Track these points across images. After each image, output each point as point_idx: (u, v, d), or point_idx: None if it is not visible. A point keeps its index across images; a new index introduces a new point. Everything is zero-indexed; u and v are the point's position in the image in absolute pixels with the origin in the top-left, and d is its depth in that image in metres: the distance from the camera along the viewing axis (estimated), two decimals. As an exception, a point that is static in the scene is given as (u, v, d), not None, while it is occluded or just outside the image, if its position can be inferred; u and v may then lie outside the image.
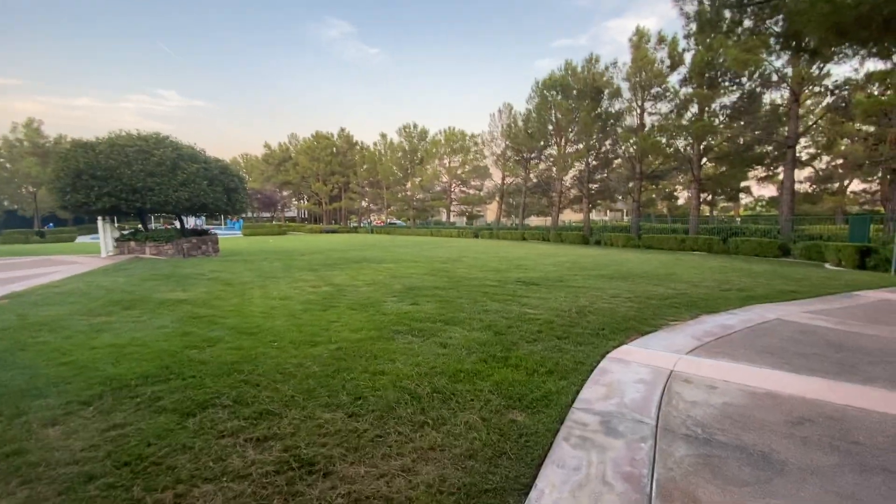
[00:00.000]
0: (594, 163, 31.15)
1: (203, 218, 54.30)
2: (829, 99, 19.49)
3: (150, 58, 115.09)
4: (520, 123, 36.98)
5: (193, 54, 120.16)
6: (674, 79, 23.25)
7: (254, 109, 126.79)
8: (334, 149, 61.07)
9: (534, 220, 53.64)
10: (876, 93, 14.64)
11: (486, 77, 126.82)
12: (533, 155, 37.72)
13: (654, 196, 37.98)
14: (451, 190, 50.27)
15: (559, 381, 3.72)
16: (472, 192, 51.07)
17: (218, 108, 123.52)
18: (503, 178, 42.19)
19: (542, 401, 3.31)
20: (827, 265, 13.74)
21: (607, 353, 4.55)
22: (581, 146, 30.34)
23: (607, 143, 30.31)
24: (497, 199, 44.89)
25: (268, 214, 69.64)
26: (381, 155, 54.52)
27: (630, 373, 4.01)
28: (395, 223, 70.48)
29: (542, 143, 35.34)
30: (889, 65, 15.79)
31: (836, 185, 35.48)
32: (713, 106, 21.66)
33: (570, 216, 59.59)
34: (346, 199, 60.66)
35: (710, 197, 40.84)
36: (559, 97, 30.39)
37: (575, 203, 38.33)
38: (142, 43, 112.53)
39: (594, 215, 66.42)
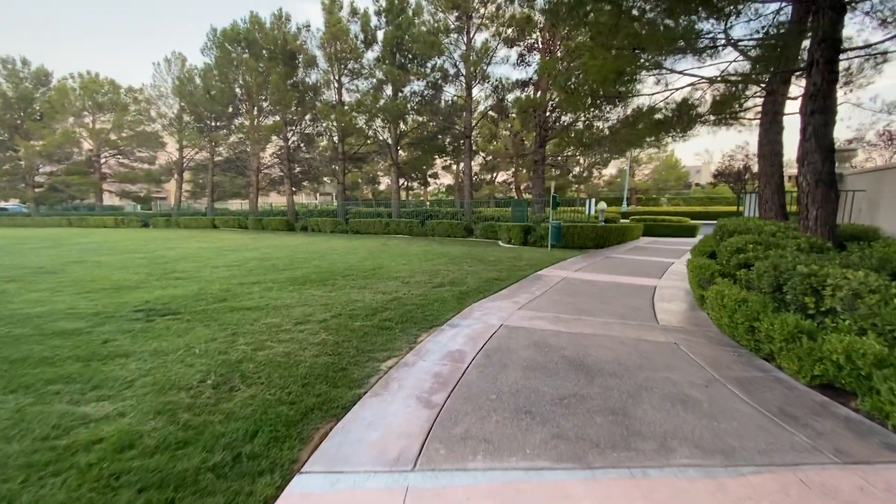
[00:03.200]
0: (295, 139, 27.91)
1: None
2: (487, 101, 22.79)
3: None
4: (197, 81, 29.54)
5: None
6: (370, 56, 22.56)
7: None
8: None
9: (235, 204, 45.81)
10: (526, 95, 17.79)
11: (154, 26, 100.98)
12: (221, 123, 31.00)
13: (359, 180, 38.10)
14: (102, 162, 36.48)
15: None
16: (138, 165, 38.56)
17: None
18: (181, 150, 33.34)
19: None
20: (500, 242, 15.54)
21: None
22: (278, 118, 26.41)
23: (308, 118, 27.54)
24: (175, 176, 35.30)
25: None
26: (-45, 100, 33.96)
27: None
28: (5, 208, 47.46)
29: (229, 109, 29.25)
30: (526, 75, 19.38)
31: (489, 175, 45.01)
32: (406, 91, 22.14)
33: (277, 199, 54.21)
34: None
35: (407, 182, 44.73)
36: (246, 55, 25.31)
37: (279, 184, 34.13)
38: None
39: (303, 198, 63.29)
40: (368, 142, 25.77)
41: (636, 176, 46.14)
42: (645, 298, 6.39)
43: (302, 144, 30.02)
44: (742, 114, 11.52)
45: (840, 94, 7.72)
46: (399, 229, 20.08)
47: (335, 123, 22.50)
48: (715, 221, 26.76)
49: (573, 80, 10.88)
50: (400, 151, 26.31)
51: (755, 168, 28.23)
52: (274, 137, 28.41)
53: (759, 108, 11.76)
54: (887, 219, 8.20)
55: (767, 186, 9.52)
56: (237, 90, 28.08)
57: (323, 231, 22.72)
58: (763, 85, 9.78)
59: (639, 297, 6.43)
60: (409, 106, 21.47)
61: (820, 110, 6.78)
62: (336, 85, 23.53)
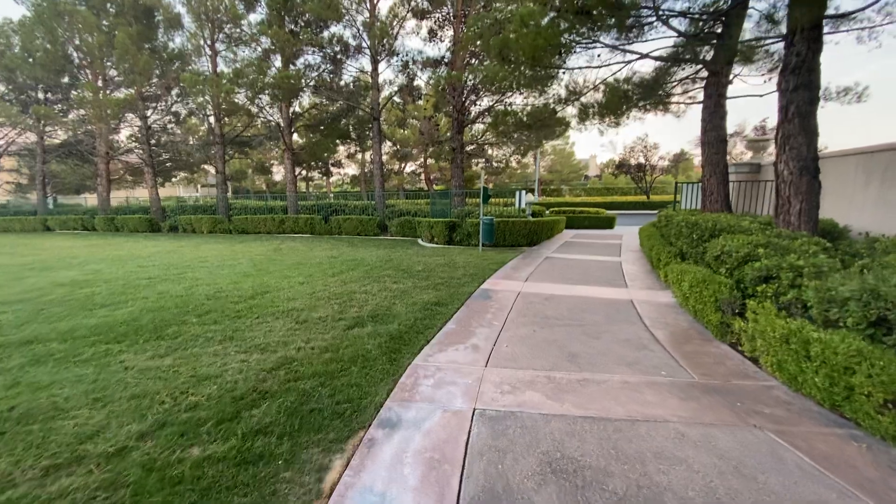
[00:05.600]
0: (158, 118, 22.77)
1: None
2: (395, 83, 20.43)
3: None
4: (13, 39, 22.68)
5: None
6: (253, 19, 18.77)
7: None
8: None
9: (90, 200, 37.11)
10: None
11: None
12: (53, 96, 24.34)
13: (248, 169, 33.14)
14: None
15: None
16: (-70, 150, 28.96)
17: None
18: (-6, 130, 25.59)
19: None
20: (421, 241, 13.50)
21: None
22: (133, 91, 21.12)
23: (175, 92, 22.55)
24: (-8, 164, 27.15)
25: None
26: None
27: None
28: None
29: (64, 77, 22.99)
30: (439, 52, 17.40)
31: (398, 165, 42.57)
32: (299, 63, 18.77)
33: (146, 193, 45.29)
34: None
35: (306, 172, 40.30)
36: (83, 7, 19.70)
37: (142, 175, 28.01)
38: None
39: (181, 191, 54.46)
40: (258, 123, 21.84)
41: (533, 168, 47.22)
42: (634, 323, 4.83)
43: (170, 125, 24.79)
44: (678, 97, 10.89)
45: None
46: (297, 227, 16.95)
47: (209, 99, 18.34)
48: (621, 212, 27.62)
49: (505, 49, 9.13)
50: (295, 135, 22.88)
51: (654, 159, 29.91)
52: (130, 116, 22.87)
53: (689, 94, 11.32)
54: (832, 210, 7.83)
55: (713, 176, 8.76)
56: (73, 53, 21.99)
57: (199, 232, 18.55)
58: (704, 65, 8.98)
59: (626, 322, 4.85)
60: (303, 81, 18.20)
61: (805, 85, 5.81)
62: (209, 52, 19.27)
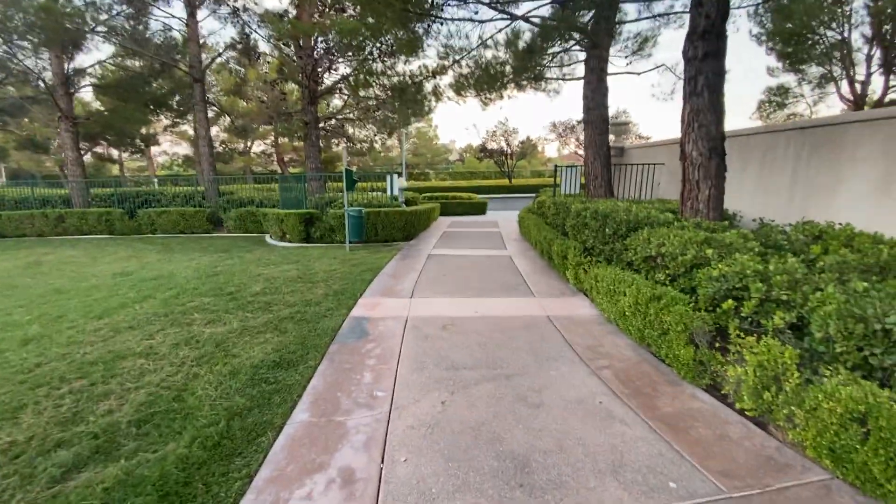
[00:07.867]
0: None
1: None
2: (230, 31, 16.40)
3: None
4: None
5: None
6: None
7: None
8: None
9: None
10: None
11: None
12: None
13: (8, 145, 24.37)
14: None
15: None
16: None
17: None
18: None
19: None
20: (269, 238, 10.71)
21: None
22: None
23: None
24: None
25: None
26: None
27: None
28: None
29: None
30: None
31: (242, 143, 36.52)
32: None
33: None
34: None
35: (117, 152, 31.69)
36: None
37: None
38: None
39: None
40: (14, 80, 15.48)
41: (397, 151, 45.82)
42: (571, 361, 3.48)
43: None
44: (556, 71, 10.18)
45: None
46: (88, 226, 12.27)
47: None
48: (487, 196, 27.74)
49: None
50: (93, 100, 17.19)
51: (515, 142, 30.69)
52: None
53: (565, 69, 10.77)
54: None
55: (597, 158, 8.16)
56: None
57: (-87, 237, 12.31)
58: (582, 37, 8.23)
59: (560, 360, 3.47)
60: (86, 23, 13.13)
61: (714, 54, 5.10)
62: None
